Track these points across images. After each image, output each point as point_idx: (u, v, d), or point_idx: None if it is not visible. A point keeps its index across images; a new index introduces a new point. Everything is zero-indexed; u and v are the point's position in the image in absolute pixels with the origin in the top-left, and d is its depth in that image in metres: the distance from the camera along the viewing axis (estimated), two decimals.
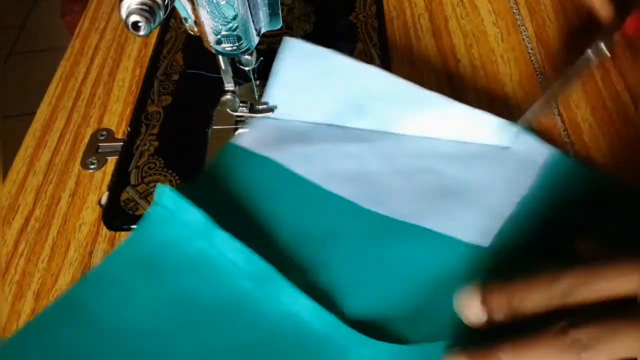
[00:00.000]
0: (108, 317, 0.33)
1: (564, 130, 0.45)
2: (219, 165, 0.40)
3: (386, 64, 0.53)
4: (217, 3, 0.36)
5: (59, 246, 0.43)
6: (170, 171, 0.47)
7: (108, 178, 0.47)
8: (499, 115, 0.42)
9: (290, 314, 0.31)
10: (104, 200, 0.45)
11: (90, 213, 0.44)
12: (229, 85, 0.46)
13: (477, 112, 0.42)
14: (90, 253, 0.42)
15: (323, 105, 0.43)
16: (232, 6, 0.37)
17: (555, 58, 0.52)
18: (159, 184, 0.38)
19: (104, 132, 0.50)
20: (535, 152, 0.40)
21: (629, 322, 0.21)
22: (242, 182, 0.39)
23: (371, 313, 0.32)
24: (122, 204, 0.44)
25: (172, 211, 0.37)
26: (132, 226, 0.43)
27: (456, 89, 0.50)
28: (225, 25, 0.38)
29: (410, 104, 0.41)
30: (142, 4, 0.34)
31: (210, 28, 0.38)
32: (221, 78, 0.45)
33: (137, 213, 0.44)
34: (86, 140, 0.50)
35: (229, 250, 0.33)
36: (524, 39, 0.54)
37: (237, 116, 0.49)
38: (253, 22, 0.39)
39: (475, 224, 0.36)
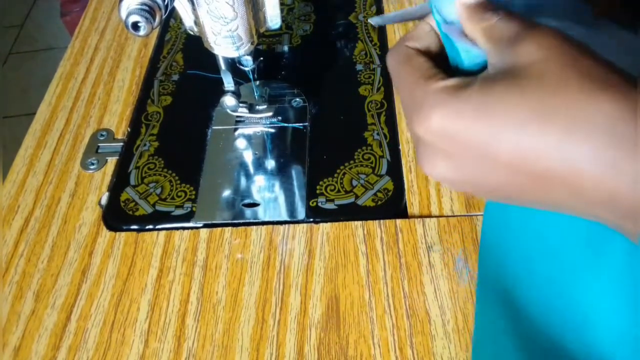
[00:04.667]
0: None
1: None
2: None
3: (386, 64, 0.53)
4: (217, 3, 0.36)
5: (59, 247, 0.43)
6: (170, 171, 0.47)
7: (108, 178, 0.47)
8: None
9: None
10: (104, 200, 0.45)
11: (90, 213, 0.44)
12: (229, 86, 0.46)
13: None
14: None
15: None
16: (232, 6, 0.37)
17: None
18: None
19: (104, 133, 0.50)
20: None
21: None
22: None
23: None
24: (122, 204, 0.44)
25: None
26: (132, 227, 0.43)
27: None
28: (225, 25, 0.38)
29: None
30: (142, 4, 0.34)
31: (210, 28, 0.38)
32: (221, 78, 0.45)
33: (137, 214, 0.44)
34: (86, 140, 0.50)
35: None
36: None
37: (237, 116, 0.49)
38: (253, 22, 0.39)
39: None
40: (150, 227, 0.43)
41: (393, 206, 0.43)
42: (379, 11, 0.59)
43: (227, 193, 0.45)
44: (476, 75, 0.24)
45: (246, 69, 0.45)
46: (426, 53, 0.28)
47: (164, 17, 0.35)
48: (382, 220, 0.42)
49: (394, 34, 0.56)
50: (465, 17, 0.26)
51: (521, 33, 0.23)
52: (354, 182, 0.44)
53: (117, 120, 0.51)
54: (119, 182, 0.46)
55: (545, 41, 0.22)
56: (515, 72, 0.22)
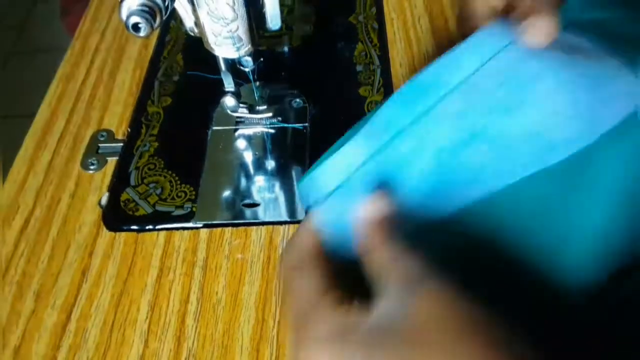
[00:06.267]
0: None
1: None
2: None
3: (386, 65, 0.53)
4: (217, 4, 0.36)
5: (59, 247, 0.43)
6: (170, 172, 0.47)
7: (108, 179, 0.47)
8: None
9: None
10: (104, 201, 0.45)
11: (90, 214, 0.45)
12: (229, 86, 0.46)
13: None
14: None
15: None
16: (232, 7, 0.37)
17: None
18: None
19: (104, 133, 0.50)
20: None
21: None
22: None
23: None
24: (122, 204, 0.45)
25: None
26: (132, 227, 0.43)
27: None
28: (225, 26, 0.38)
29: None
30: (143, 5, 0.34)
31: (211, 29, 0.39)
32: (221, 79, 0.45)
33: (137, 214, 0.44)
34: (86, 141, 0.50)
35: None
36: None
37: (237, 117, 0.49)
38: (253, 23, 0.40)
39: None
40: (150, 227, 0.43)
41: None
42: (379, 12, 0.59)
43: (227, 193, 0.45)
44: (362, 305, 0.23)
45: (246, 69, 0.45)
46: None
47: (164, 18, 0.35)
48: None
49: (394, 35, 0.56)
50: (367, 234, 0.25)
51: (421, 281, 0.22)
52: None
53: (117, 120, 0.51)
54: (119, 182, 0.46)
55: (445, 299, 0.21)
56: (411, 330, 0.21)
